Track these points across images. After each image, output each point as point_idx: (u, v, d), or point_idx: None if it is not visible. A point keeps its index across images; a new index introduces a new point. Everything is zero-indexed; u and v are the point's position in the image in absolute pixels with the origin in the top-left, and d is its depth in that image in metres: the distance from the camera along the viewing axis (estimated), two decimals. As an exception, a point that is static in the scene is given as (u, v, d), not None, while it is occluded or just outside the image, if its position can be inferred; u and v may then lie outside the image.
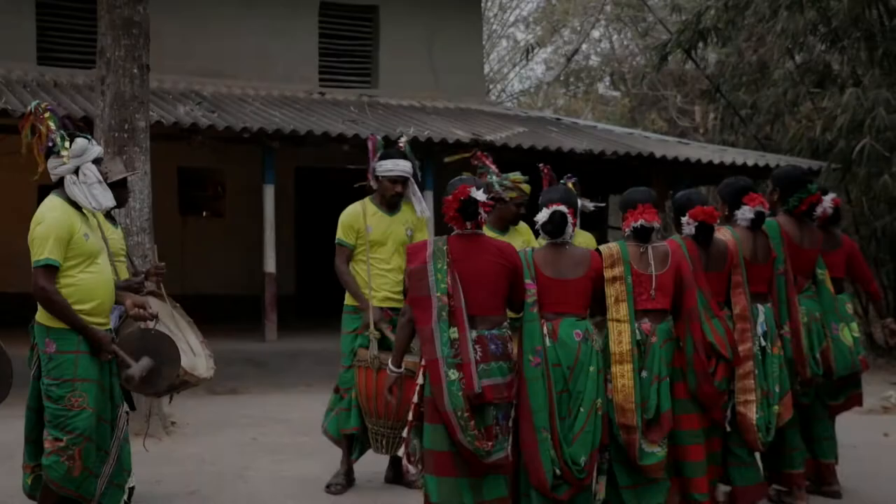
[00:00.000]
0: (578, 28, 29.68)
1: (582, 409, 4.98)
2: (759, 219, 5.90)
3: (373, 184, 6.51)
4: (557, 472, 4.90)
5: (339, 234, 6.48)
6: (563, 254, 5.16)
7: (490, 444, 4.74)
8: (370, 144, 6.50)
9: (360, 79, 15.89)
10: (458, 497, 4.75)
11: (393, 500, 6.30)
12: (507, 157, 13.49)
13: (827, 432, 6.48)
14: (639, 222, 5.38)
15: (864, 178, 14.81)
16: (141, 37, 8.15)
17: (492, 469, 4.80)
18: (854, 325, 6.49)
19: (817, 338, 6.22)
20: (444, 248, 4.85)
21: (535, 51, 29.20)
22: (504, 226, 6.47)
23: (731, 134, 19.38)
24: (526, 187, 6.49)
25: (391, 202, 6.47)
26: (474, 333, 4.77)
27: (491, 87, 30.25)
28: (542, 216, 5.13)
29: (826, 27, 15.43)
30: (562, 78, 30.67)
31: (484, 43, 22.80)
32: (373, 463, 6.75)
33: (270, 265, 12.31)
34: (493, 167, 6.43)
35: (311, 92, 15.18)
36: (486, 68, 27.78)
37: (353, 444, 6.48)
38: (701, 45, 17.04)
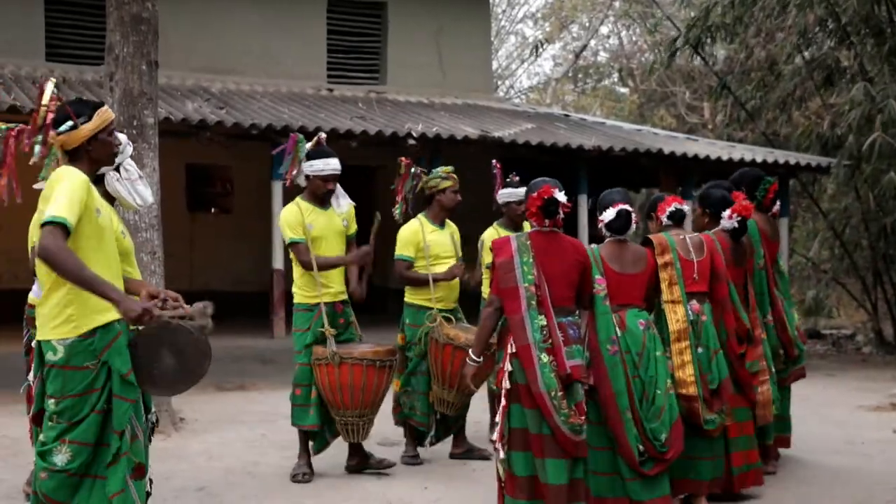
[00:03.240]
0: (587, 24, 29.67)
1: (658, 392, 5.55)
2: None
3: (300, 182, 6.70)
4: (641, 447, 5.43)
5: (290, 235, 6.59)
6: (626, 250, 5.69)
7: (582, 418, 5.18)
8: (290, 143, 6.67)
9: (369, 75, 15.90)
10: (544, 475, 5.10)
11: (399, 489, 6.32)
12: (516, 153, 13.52)
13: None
14: (673, 206, 6.09)
15: (871, 174, 14.77)
16: (149, 33, 8.15)
17: (579, 449, 5.16)
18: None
19: (790, 320, 6.99)
20: (528, 243, 5.27)
21: (544, 47, 29.24)
22: (443, 219, 7.16)
23: (740, 130, 19.35)
24: (455, 177, 7.14)
25: (324, 198, 6.65)
26: (556, 320, 5.18)
27: (499, 83, 30.23)
28: (609, 215, 5.62)
29: (835, 23, 15.39)
30: (570, 74, 30.66)
31: (492, 39, 22.79)
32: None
33: (279, 261, 12.33)
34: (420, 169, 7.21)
35: (320, 88, 15.19)
36: (495, 64, 27.76)
37: (310, 438, 6.69)
38: (709, 41, 17.00)
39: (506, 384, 5.21)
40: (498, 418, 5.30)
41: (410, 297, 7.13)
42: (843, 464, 7.32)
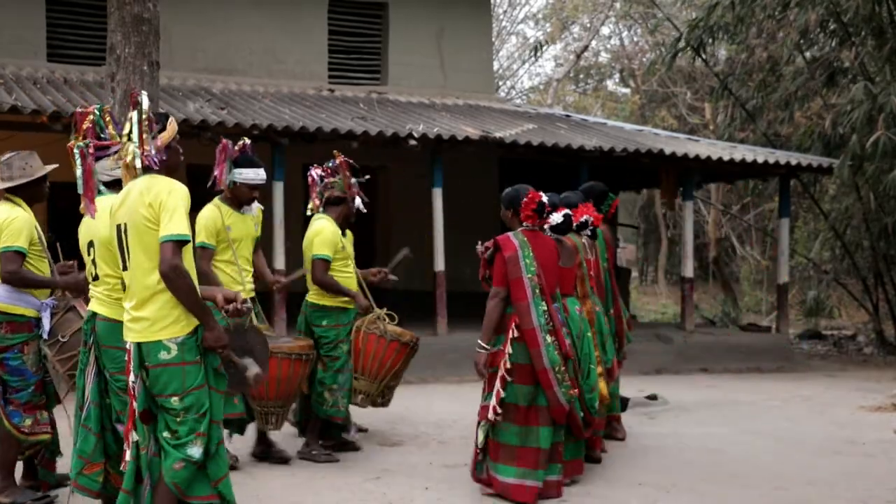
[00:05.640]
0: (588, 25, 29.66)
1: (591, 367, 6.59)
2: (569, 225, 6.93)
3: (224, 186, 6.81)
4: (582, 415, 6.31)
5: (203, 238, 6.63)
6: (563, 246, 6.54)
7: (575, 390, 6.10)
8: (221, 149, 6.77)
9: (370, 76, 15.90)
10: (536, 441, 5.92)
11: (400, 489, 6.32)
12: (517, 154, 13.53)
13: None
14: (584, 217, 6.98)
15: (873, 173, 14.77)
16: (151, 34, 8.17)
17: (564, 418, 6.02)
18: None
19: (624, 314, 7.97)
20: (525, 239, 6.04)
21: (545, 47, 29.23)
22: (349, 224, 7.47)
23: (741, 130, 19.36)
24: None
25: (243, 204, 6.85)
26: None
27: (500, 83, 30.25)
28: (557, 218, 6.43)
29: (836, 23, 15.39)
30: (571, 75, 30.67)
31: (493, 40, 22.80)
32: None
33: (279, 262, 12.32)
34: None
35: (321, 89, 15.20)
36: (496, 65, 27.78)
37: (232, 425, 6.81)
38: (710, 42, 17.01)
39: (507, 364, 5.90)
40: (495, 391, 5.92)
41: (330, 300, 7.36)
42: (845, 464, 7.33)
